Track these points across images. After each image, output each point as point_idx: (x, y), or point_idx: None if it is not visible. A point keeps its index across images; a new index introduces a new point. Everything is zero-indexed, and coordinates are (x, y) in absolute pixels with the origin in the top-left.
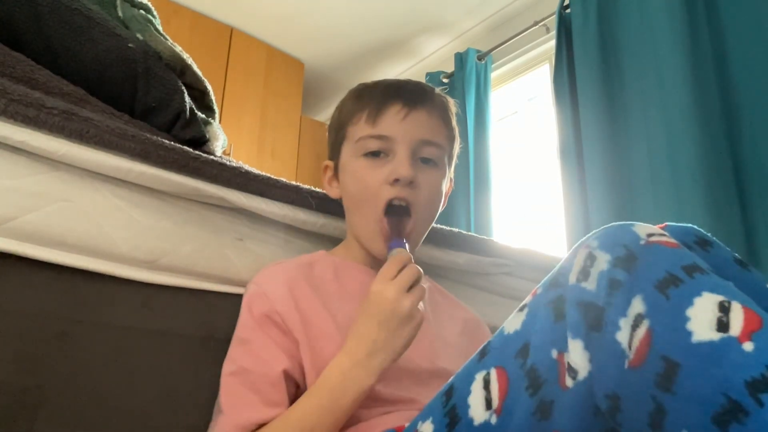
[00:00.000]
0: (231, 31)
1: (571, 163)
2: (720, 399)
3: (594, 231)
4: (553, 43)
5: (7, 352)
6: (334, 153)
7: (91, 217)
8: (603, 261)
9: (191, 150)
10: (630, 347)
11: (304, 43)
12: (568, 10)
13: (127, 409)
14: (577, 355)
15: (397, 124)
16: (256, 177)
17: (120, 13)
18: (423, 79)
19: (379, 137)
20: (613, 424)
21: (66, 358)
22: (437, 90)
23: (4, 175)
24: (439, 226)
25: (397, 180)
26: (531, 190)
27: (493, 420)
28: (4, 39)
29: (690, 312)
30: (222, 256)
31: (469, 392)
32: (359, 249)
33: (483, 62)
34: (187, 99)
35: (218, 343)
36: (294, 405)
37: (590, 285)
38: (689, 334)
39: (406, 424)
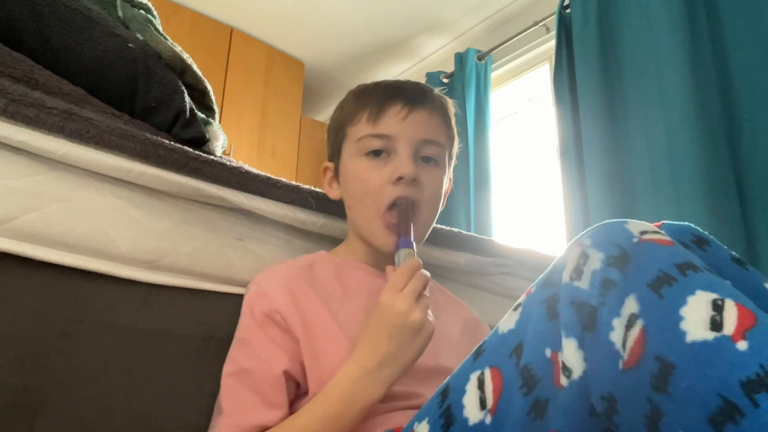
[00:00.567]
0: (231, 31)
1: (571, 163)
2: (715, 400)
3: (587, 229)
4: (553, 43)
5: (7, 352)
6: (334, 154)
7: (91, 217)
8: (596, 260)
9: (191, 150)
10: (624, 348)
11: (304, 43)
12: (568, 10)
13: (127, 409)
14: (571, 354)
15: (398, 124)
16: (256, 177)
17: (120, 13)
18: (423, 79)
19: (380, 136)
20: (609, 425)
21: (66, 358)
22: (437, 90)
23: (4, 175)
24: (439, 226)
25: (400, 178)
26: (531, 190)
27: (488, 420)
28: (4, 39)
29: (684, 311)
30: (222, 256)
31: (463, 392)
32: (361, 248)
33: (483, 62)
34: (187, 99)
35: (218, 343)
36: (299, 412)
37: (583, 284)
38: (683, 333)
39: (405, 425)
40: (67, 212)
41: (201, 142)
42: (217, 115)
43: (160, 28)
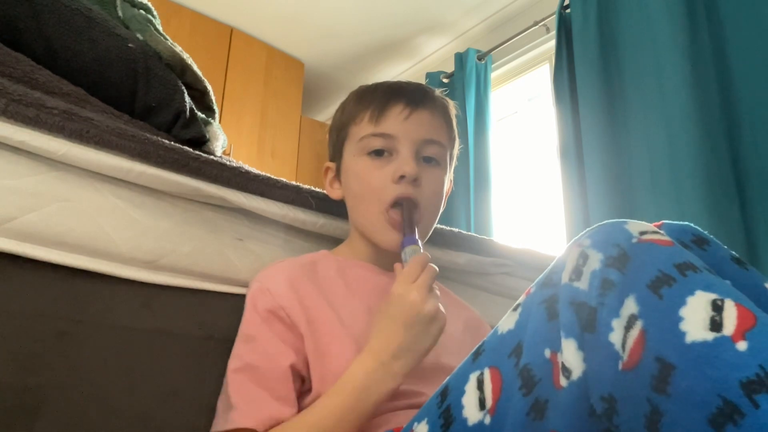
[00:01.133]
0: (231, 31)
1: (571, 163)
2: (715, 400)
3: (587, 229)
4: (553, 43)
5: (7, 352)
6: (336, 154)
7: (91, 217)
8: (595, 260)
9: (191, 150)
10: (624, 348)
11: (304, 43)
12: (568, 10)
13: (126, 409)
14: (570, 355)
15: (400, 123)
16: (256, 177)
17: (120, 13)
18: (423, 80)
19: (383, 135)
20: (609, 426)
21: (66, 358)
22: (438, 92)
23: (4, 175)
24: (439, 226)
25: (402, 177)
26: (531, 190)
27: (487, 420)
28: (4, 39)
29: (683, 312)
30: (222, 256)
31: (463, 392)
32: (364, 246)
33: (483, 62)
34: (187, 99)
35: (218, 343)
36: (314, 405)
37: (582, 284)
38: (683, 334)
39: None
40: (67, 212)
41: (201, 142)
42: (217, 115)
43: (160, 28)
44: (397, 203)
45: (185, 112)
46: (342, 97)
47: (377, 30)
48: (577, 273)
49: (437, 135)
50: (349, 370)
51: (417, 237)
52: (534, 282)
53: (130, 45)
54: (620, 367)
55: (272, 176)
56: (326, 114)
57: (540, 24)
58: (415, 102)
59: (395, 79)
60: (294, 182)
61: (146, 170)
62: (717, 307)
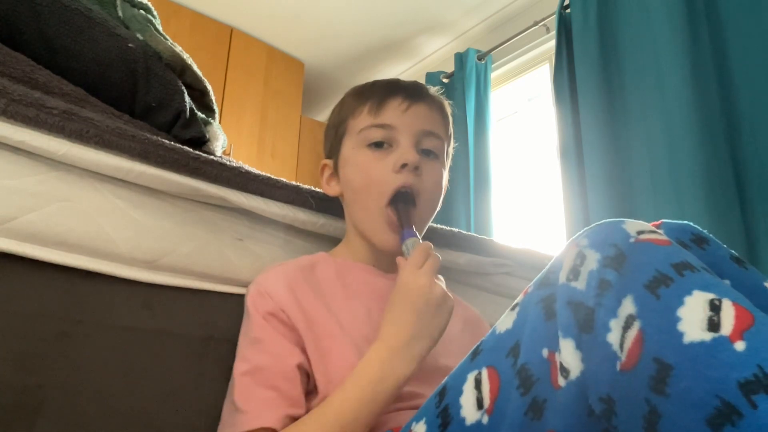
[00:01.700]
0: (231, 31)
1: (571, 163)
2: (713, 401)
3: (584, 228)
4: (553, 43)
5: (7, 352)
6: (334, 150)
7: (91, 217)
8: (592, 260)
9: (191, 150)
10: (621, 349)
11: (304, 43)
12: (568, 10)
13: (127, 409)
14: (568, 355)
15: (399, 115)
16: (256, 177)
17: (120, 13)
18: (423, 79)
19: (382, 126)
20: (608, 427)
21: (66, 358)
22: (433, 90)
23: (4, 175)
24: (439, 226)
25: (403, 165)
26: (531, 190)
27: (485, 420)
28: (4, 39)
29: (681, 312)
30: (222, 256)
31: (460, 392)
32: (361, 246)
33: (483, 62)
34: (187, 99)
35: (218, 343)
36: (330, 398)
37: (580, 284)
38: (681, 334)
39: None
40: (67, 212)
41: (201, 142)
42: (217, 115)
43: (160, 28)
44: (394, 200)
45: (185, 112)
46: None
47: (377, 30)
48: (575, 273)
49: (435, 127)
50: (364, 360)
51: (415, 230)
52: (532, 282)
53: (130, 45)
54: (618, 367)
55: (272, 176)
56: (326, 114)
57: (540, 24)
58: (413, 96)
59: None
60: (294, 182)
61: (146, 170)
62: (715, 307)
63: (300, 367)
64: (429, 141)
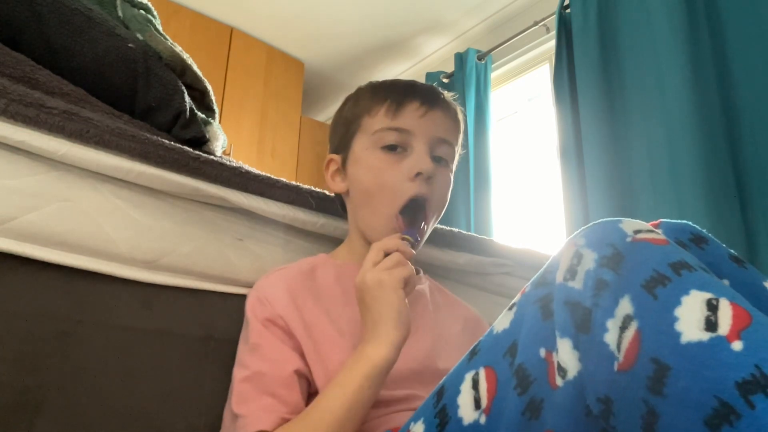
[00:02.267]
0: (231, 31)
1: (571, 163)
2: (711, 401)
3: (582, 228)
4: (553, 43)
5: (7, 352)
6: (343, 146)
7: (91, 217)
8: (589, 259)
9: (191, 150)
10: (619, 349)
11: (304, 43)
12: (568, 10)
13: (126, 409)
14: (566, 354)
15: (416, 120)
16: (256, 177)
17: (120, 13)
18: (423, 80)
19: (399, 130)
20: (606, 427)
21: (66, 358)
22: (449, 96)
23: (4, 175)
24: (439, 226)
25: (418, 174)
26: (531, 190)
27: (482, 420)
28: (4, 39)
29: (678, 311)
30: (222, 256)
31: (458, 392)
32: (362, 247)
33: (483, 62)
34: (187, 99)
35: (218, 343)
36: (318, 399)
37: (577, 284)
38: (678, 334)
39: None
40: (67, 212)
41: (201, 142)
42: (217, 115)
43: (160, 28)
44: (405, 209)
45: (185, 112)
46: (342, 97)
47: (377, 30)
48: (572, 272)
49: (449, 135)
50: (348, 361)
51: (417, 234)
52: (530, 281)
53: (130, 45)
54: (616, 367)
55: (272, 176)
56: (326, 114)
57: (540, 24)
58: (430, 101)
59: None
60: (294, 182)
61: (146, 170)
62: (712, 307)
63: (298, 372)
64: (442, 149)
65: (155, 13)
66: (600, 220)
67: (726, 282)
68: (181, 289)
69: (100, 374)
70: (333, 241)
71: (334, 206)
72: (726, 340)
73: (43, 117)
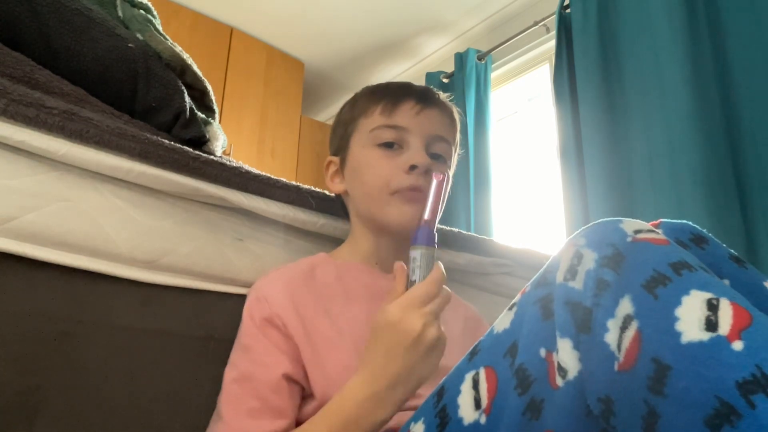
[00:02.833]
0: (231, 31)
1: (571, 163)
2: (712, 401)
3: (582, 228)
4: (553, 43)
5: (7, 352)
6: (342, 147)
7: (91, 217)
8: (590, 259)
9: (191, 150)
10: (619, 349)
11: (304, 43)
12: (568, 10)
13: (126, 409)
14: (566, 355)
15: (412, 118)
16: (256, 177)
17: (120, 13)
18: (423, 79)
19: (394, 127)
20: (606, 427)
21: (66, 359)
22: (444, 96)
23: (4, 175)
24: (439, 226)
25: (413, 167)
26: (531, 190)
27: (483, 420)
28: (4, 39)
29: (679, 311)
30: (222, 256)
31: (458, 392)
32: (365, 245)
33: (483, 62)
34: (187, 99)
35: (218, 343)
36: (302, 428)
37: (577, 284)
38: (679, 334)
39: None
40: (67, 212)
41: (201, 142)
42: (217, 115)
43: (160, 28)
44: (427, 173)
45: (185, 112)
46: (342, 97)
47: (377, 30)
48: (572, 272)
49: (445, 132)
50: (340, 395)
51: (435, 231)
52: (530, 281)
53: (130, 45)
54: (616, 368)
55: (272, 176)
56: (326, 114)
57: (540, 24)
58: (425, 100)
59: (395, 80)
60: (294, 182)
61: (146, 170)
62: (712, 307)
63: (287, 377)
64: (439, 146)
65: (155, 13)
66: (600, 220)
67: (726, 282)
68: (181, 289)
69: (100, 374)
70: (333, 241)
71: (334, 206)
72: (726, 340)
73: (43, 117)
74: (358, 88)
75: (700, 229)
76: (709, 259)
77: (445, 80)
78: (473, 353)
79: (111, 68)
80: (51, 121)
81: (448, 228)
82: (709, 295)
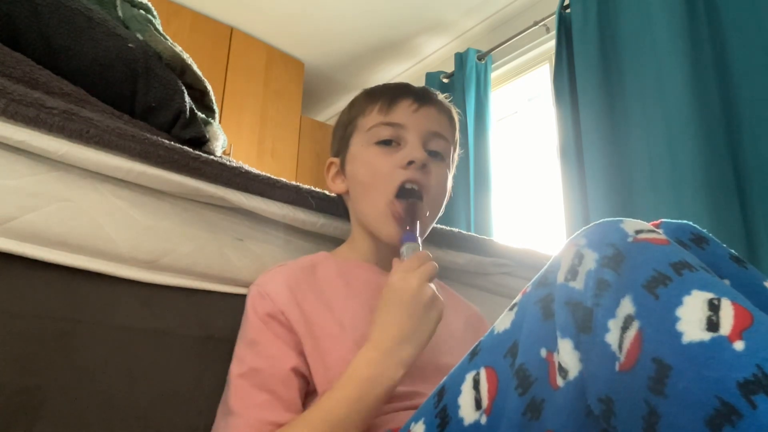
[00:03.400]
0: (231, 31)
1: (571, 163)
2: (713, 402)
3: (583, 228)
4: (553, 43)
5: (6, 352)
6: (342, 148)
7: (91, 217)
8: (590, 260)
9: (191, 150)
10: (620, 349)
11: (304, 43)
12: (568, 10)
13: (127, 409)
14: (566, 355)
15: (409, 115)
16: (256, 177)
17: (120, 13)
18: (423, 79)
19: (392, 124)
20: (607, 427)
21: (66, 359)
22: (442, 96)
23: (4, 175)
24: (439, 226)
25: (410, 162)
26: (531, 190)
27: (483, 420)
28: (4, 39)
29: (680, 311)
30: (222, 256)
31: (459, 392)
32: (365, 245)
33: (483, 62)
34: (187, 99)
35: (218, 343)
36: (319, 401)
37: (578, 284)
38: (679, 334)
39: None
40: (67, 212)
41: (201, 142)
42: (217, 115)
43: (160, 28)
44: (401, 194)
45: (185, 112)
46: (342, 97)
47: (377, 30)
48: (573, 273)
49: (443, 130)
50: (353, 362)
51: (417, 235)
52: (530, 281)
53: (130, 45)
54: (617, 368)
55: (272, 176)
56: (326, 114)
57: (540, 24)
58: (422, 98)
59: (395, 80)
60: (294, 182)
61: (146, 170)
62: (713, 307)
63: (295, 370)
64: (436, 142)
65: (155, 13)
66: (601, 220)
67: (726, 282)
68: (181, 288)
69: (100, 374)
70: (333, 241)
71: (334, 206)
72: (727, 340)
73: (43, 117)
74: (358, 88)
75: (700, 229)
76: (709, 259)
77: (445, 80)
78: (474, 353)
79: (111, 68)
80: (51, 121)
81: (449, 228)
82: (710, 295)
